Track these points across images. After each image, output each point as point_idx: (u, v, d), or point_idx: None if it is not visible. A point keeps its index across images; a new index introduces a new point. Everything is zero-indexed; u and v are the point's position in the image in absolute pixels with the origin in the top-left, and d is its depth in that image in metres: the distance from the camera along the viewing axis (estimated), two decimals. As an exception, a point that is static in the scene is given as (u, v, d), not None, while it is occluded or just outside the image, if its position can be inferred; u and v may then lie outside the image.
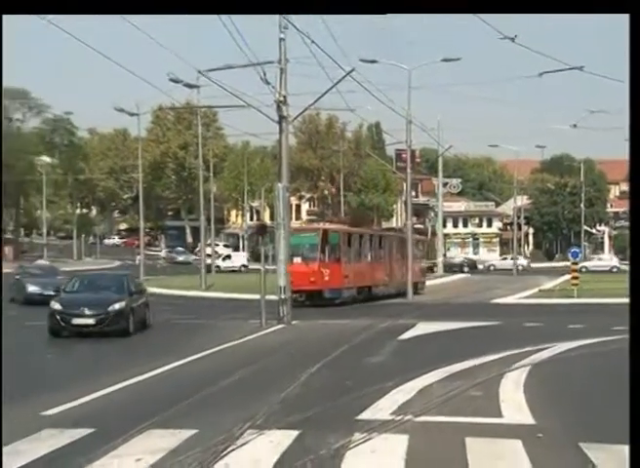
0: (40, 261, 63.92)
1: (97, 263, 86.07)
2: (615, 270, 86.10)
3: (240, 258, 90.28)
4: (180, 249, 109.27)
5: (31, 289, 39.92)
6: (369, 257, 48.48)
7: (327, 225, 46.71)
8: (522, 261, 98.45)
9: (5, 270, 50.44)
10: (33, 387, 16.13)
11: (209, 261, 67.72)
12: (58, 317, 25.46)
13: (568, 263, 53.78)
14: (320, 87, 38.09)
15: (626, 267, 52.62)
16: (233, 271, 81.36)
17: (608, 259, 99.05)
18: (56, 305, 25.84)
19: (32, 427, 11.66)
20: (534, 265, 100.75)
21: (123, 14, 9.68)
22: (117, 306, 25.61)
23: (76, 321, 25.44)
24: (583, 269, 71.88)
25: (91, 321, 25.42)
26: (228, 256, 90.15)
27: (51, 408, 13.29)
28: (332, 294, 41.68)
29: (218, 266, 78.26)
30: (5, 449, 10.25)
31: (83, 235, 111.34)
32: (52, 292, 32.31)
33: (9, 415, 12.61)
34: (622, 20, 11.12)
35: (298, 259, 39.38)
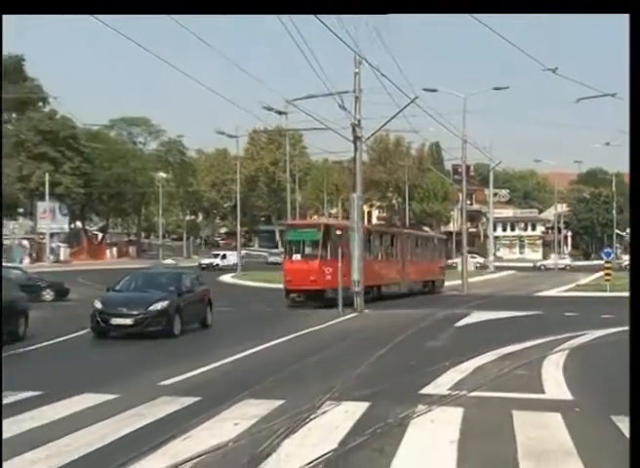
0: (168, 261, 58.98)
1: (200, 260, 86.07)
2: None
3: (233, 258, 79.55)
4: (275, 250, 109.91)
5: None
6: (378, 255, 39.62)
7: (329, 220, 39.43)
8: (566, 260, 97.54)
9: (130, 266, 50.71)
10: (152, 363, 16.36)
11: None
12: (98, 318, 21.10)
13: (602, 262, 52.91)
14: (389, 112, 38.15)
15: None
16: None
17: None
18: (97, 304, 21.54)
19: (151, 395, 11.85)
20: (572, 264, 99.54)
21: (131, 14, 9.42)
22: (159, 306, 21.19)
23: (115, 321, 21.06)
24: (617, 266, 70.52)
25: (129, 321, 21.02)
26: (224, 256, 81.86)
27: (166, 379, 13.47)
28: (334, 295, 30.62)
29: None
30: (126, 413, 10.43)
31: (191, 237, 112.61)
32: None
33: (133, 385, 12.83)
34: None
35: (297, 256, 34.11)
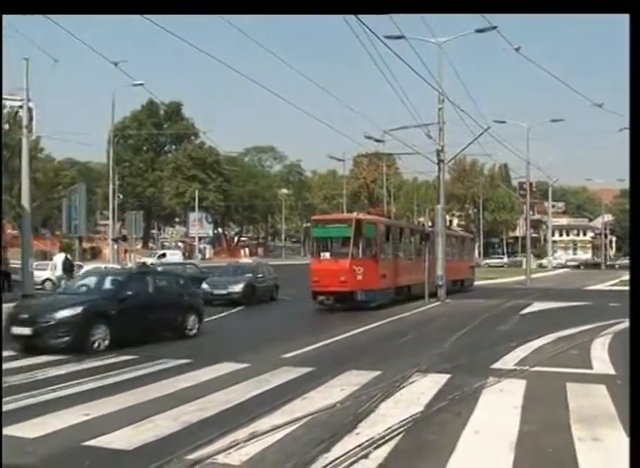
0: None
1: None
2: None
3: (176, 257, 65.85)
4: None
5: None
6: (410, 253, 30.81)
7: (361, 215, 27.22)
8: (625, 261, 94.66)
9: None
10: (275, 340, 16.51)
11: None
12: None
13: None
14: (466, 139, 37.84)
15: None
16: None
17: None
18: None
19: (275, 365, 11.98)
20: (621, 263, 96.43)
21: (129, 14, 8.99)
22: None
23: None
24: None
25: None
26: (164, 255, 68.40)
27: (287, 353, 13.59)
28: (366, 297, 24.71)
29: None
30: (256, 378, 10.58)
31: (307, 240, 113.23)
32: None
33: (261, 357, 13.00)
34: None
35: (326, 255, 25.07)
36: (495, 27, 25.69)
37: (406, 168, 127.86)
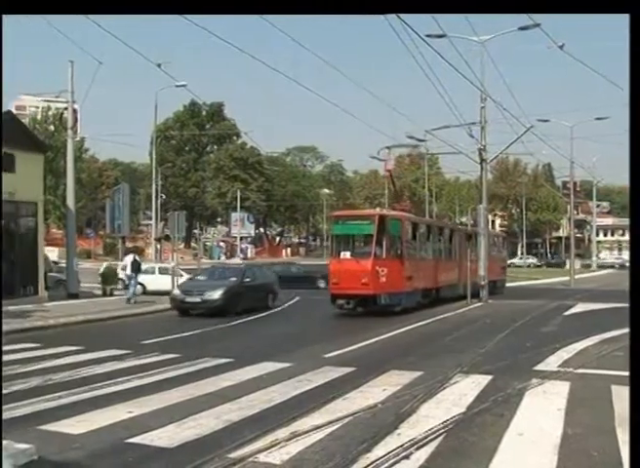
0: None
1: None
2: None
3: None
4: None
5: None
6: (438, 253, 28.33)
7: (384, 211, 25.36)
8: None
9: (301, 261, 50.95)
10: (316, 340, 16.58)
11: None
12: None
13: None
14: (508, 138, 37.37)
15: None
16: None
17: None
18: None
19: (317, 365, 12.01)
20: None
21: (130, 14, 8.91)
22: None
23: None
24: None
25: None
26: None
27: (328, 353, 13.63)
28: (390, 301, 22.62)
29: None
30: (297, 378, 10.62)
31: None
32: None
33: (302, 357, 13.04)
34: None
35: (345, 254, 22.85)
36: (538, 25, 25.41)
37: (448, 167, 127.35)
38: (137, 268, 26.91)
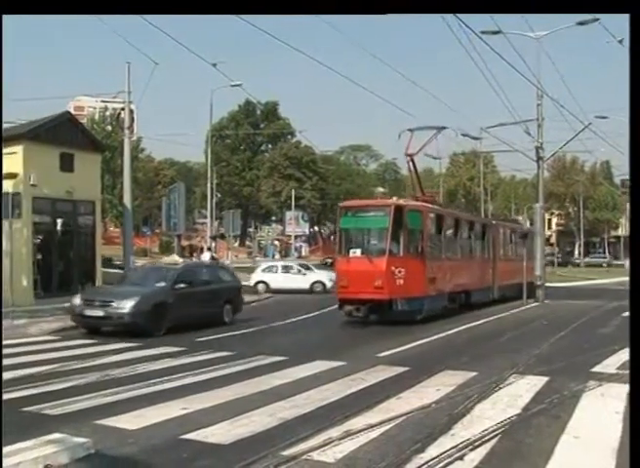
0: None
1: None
2: None
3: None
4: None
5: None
6: (468, 251, 24.86)
7: (402, 200, 20.72)
8: None
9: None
10: (368, 340, 16.56)
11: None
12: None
13: None
14: (566, 136, 36.80)
15: None
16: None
17: None
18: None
19: (371, 364, 11.97)
20: None
21: (134, 14, 8.56)
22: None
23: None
24: None
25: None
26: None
27: (382, 352, 13.60)
28: (408, 307, 19.21)
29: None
30: (351, 377, 10.62)
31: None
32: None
33: (356, 356, 13.03)
34: None
35: (355, 252, 19.38)
36: (597, 20, 24.99)
37: (503, 165, 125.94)
38: None
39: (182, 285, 17.68)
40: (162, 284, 17.63)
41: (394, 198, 20.96)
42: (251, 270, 35.33)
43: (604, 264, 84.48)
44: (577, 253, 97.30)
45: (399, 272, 18.88)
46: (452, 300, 22.31)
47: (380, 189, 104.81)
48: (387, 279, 18.70)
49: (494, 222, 27.74)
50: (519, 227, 34.68)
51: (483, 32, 23.25)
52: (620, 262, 78.56)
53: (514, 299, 27.38)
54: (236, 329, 18.23)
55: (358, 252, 19.34)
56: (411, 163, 22.69)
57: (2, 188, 19.54)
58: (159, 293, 17.27)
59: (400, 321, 18.96)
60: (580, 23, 27.01)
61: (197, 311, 18.06)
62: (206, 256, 29.94)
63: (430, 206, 22.24)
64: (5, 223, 19.80)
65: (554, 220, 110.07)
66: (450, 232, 23.05)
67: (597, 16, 24.36)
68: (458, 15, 16.36)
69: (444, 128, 23.85)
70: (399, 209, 19.33)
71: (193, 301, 17.83)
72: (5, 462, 5.63)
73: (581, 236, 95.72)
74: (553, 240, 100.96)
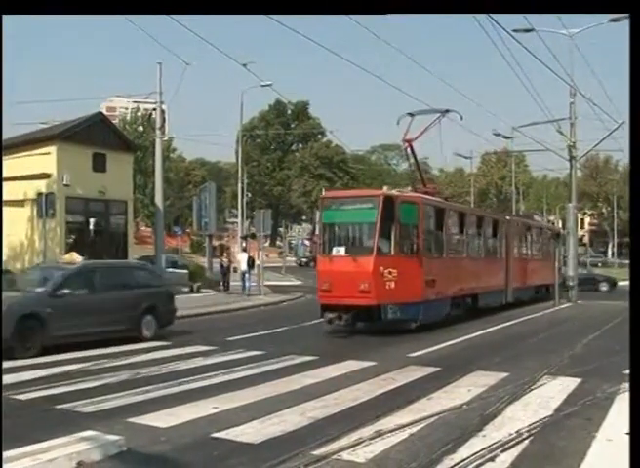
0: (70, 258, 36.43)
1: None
2: None
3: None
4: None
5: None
6: (477, 249, 22.43)
7: (394, 191, 17.88)
8: None
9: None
10: (398, 340, 16.37)
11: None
12: None
13: None
14: (599, 134, 36.46)
15: None
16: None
17: None
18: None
19: (401, 364, 11.97)
20: None
21: (131, 14, 8.25)
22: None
23: None
24: None
25: None
26: None
27: (413, 352, 13.57)
28: (401, 314, 16.83)
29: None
30: (382, 377, 10.60)
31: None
32: None
33: (387, 356, 13.00)
34: None
35: (339, 250, 16.67)
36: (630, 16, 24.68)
37: (535, 165, 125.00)
38: (250, 264, 30.18)
39: (69, 290, 13.82)
40: (40, 289, 13.83)
41: (385, 188, 17.69)
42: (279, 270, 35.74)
43: None
44: (609, 253, 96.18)
45: (389, 274, 16.39)
46: (456, 305, 19.96)
47: (409, 189, 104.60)
48: (375, 282, 16.19)
49: (508, 218, 25.61)
50: (543, 225, 33.24)
51: (515, 31, 23.10)
52: None
53: (535, 301, 26.95)
54: (153, 348, 14.30)
55: (342, 250, 16.70)
56: (409, 149, 20.52)
57: (2, 186, 19.69)
58: (31, 303, 13.37)
59: (390, 331, 16.91)
60: (613, 20, 26.71)
61: (95, 324, 14.04)
62: (243, 257, 30.92)
63: (429, 197, 19.51)
64: (39, 223, 20.03)
65: (587, 220, 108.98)
66: (454, 228, 20.60)
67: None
68: (490, 14, 16.29)
69: (448, 111, 21.05)
70: (389, 200, 16.72)
71: (88, 312, 14.02)
72: (39, 458, 5.71)
73: (614, 236, 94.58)
74: (586, 240, 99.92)
